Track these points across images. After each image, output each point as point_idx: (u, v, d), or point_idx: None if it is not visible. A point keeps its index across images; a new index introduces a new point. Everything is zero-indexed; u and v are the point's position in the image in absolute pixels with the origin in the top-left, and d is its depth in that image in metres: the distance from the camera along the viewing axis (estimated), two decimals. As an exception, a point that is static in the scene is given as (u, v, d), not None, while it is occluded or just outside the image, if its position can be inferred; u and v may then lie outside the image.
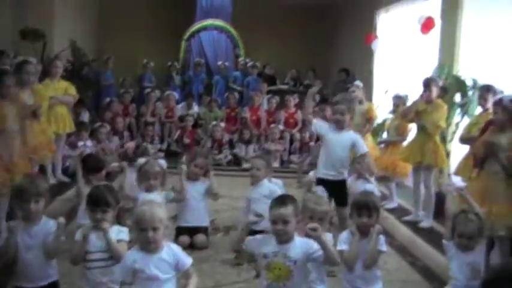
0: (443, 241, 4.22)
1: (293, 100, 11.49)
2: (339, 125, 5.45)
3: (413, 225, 6.59)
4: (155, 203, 3.73)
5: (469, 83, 7.07)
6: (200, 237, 5.51)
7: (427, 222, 6.57)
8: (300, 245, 3.67)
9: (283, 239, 3.67)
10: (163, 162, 5.53)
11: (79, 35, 11.53)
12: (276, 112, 11.38)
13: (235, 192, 7.59)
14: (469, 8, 7.48)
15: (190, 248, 5.35)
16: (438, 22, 7.91)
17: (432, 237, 6.00)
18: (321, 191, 4.49)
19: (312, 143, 10.13)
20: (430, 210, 6.67)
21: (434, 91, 6.51)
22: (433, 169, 6.69)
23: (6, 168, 5.35)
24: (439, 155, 6.55)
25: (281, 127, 10.81)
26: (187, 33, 13.58)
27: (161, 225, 3.51)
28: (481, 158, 5.07)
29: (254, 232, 5.00)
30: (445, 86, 6.96)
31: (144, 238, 3.48)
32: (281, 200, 3.70)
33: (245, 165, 9.59)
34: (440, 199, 6.59)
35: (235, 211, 6.70)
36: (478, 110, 6.37)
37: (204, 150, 6.51)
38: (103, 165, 5.48)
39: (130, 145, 9.24)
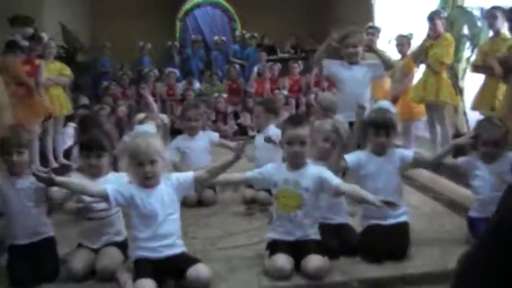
0: (462, 159, 3.96)
1: (298, 67, 11.27)
2: (353, 59, 5.16)
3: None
4: (150, 134, 3.46)
5: (476, 13, 6.74)
6: (208, 193, 5.19)
7: (446, 161, 6.28)
8: (312, 171, 3.41)
9: (298, 161, 3.42)
10: (164, 117, 5.20)
11: (70, 21, 11.23)
12: (279, 79, 11.12)
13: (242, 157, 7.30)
14: None
15: (198, 205, 5.09)
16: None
17: (453, 173, 5.69)
18: (340, 117, 4.22)
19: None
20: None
21: (439, 24, 6.21)
22: (442, 106, 6.36)
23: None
24: (442, 91, 6.22)
25: (285, 93, 10.51)
26: (181, 12, 13.31)
27: (159, 158, 3.24)
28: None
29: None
30: (450, 18, 6.62)
31: (142, 173, 3.20)
32: (297, 120, 3.46)
33: (251, 133, 9.32)
34: (457, 137, 6.30)
35: (244, 172, 6.38)
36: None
37: (192, 101, 6.17)
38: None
39: (122, 109, 8.89)
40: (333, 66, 5.30)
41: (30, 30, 7.05)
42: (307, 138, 3.38)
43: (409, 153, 3.84)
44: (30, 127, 6.12)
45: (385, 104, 3.91)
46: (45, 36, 7.40)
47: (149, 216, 3.24)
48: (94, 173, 3.65)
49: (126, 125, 6.34)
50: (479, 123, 4.01)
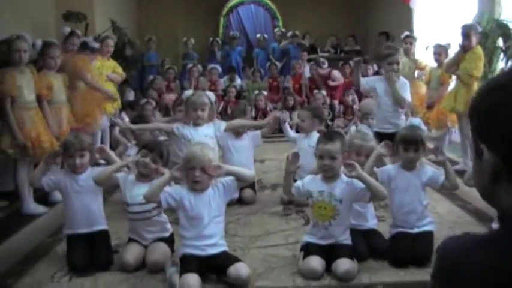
0: None
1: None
2: (396, 75, 5.46)
3: (462, 173, 6.47)
4: (207, 145, 3.82)
5: (511, 26, 6.92)
6: (248, 192, 5.53)
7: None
8: (346, 184, 3.71)
9: (329, 175, 3.71)
10: (211, 95, 5.49)
11: (119, 16, 11.61)
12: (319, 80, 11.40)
13: (281, 155, 7.59)
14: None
15: (238, 203, 5.42)
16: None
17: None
18: (365, 128, 4.51)
19: (355, 106, 10.08)
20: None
21: (474, 39, 6.37)
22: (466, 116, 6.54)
23: (56, 137, 5.51)
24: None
25: (324, 93, 10.78)
26: (225, 9, 13.65)
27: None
28: None
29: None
30: (485, 31, 6.80)
31: (192, 177, 3.55)
32: (329, 136, 3.76)
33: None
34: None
35: (282, 171, 6.64)
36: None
37: (240, 106, 6.47)
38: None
39: (170, 97, 9.27)
40: (370, 81, 5.72)
41: (67, 29, 7.40)
42: (337, 153, 3.67)
43: (439, 178, 4.03)
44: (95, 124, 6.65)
45: (416, 121, 4.20)
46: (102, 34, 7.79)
47: (196, 218, 3.60)
48: (144, 172, 4.02)
49: (172, 113, 6.70)
50: None
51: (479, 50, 6.40)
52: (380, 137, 5.00)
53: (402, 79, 5.51)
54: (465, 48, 6.37)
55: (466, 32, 6.37)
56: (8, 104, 5.16)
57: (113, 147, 6.57)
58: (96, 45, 7.04)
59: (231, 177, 3.70)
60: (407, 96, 5.52)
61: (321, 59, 11.77)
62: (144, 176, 4.02)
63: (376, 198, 3.80)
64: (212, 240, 3.64)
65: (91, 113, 6.75)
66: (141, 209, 3.96)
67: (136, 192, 3.95)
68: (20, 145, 5.17)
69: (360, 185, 3.65)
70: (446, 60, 6.91)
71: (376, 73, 8.84)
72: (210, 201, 3.63)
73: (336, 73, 11.43)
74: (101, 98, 7.10)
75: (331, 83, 11.25)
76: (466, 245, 1.46)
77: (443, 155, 4.01)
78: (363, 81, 5.75)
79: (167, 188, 3.67)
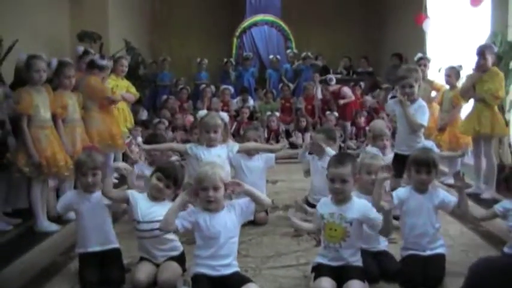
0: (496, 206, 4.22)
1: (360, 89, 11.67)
2: (409, 98, 5.34)
3: (475, 197, 6.46)
4: (217, 164, 3.83)
5: (524, 48, 6.93)
6: (260, 213, 5.53)
7: (488, 194, 6.44)
8: (357, 206, 3.73)
9: (340, 198, 3.73)
10: (225, 115, 5.49)
11: (133, 36, 11.76)
12: (331, 100, 11.42)
13: (293, 177, 7.66)
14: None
15: (250, 223, 5.41)
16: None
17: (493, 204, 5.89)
18: (375, 150, 4.54)
19: (367, 128, 10.09)
20: (492, 181, 6.54)
21: (489, 59, 6.36)
22: (492, 139, 6.55)
23: (70, 156, 5.56)
24: (497, 124, 6.40)
25: (336, 114, 10.81)
26: (239, 30, 13.76)
27: (222, 185, 3.61)
28: None
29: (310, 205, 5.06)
30: (499, 53, 6.80)
31: (205, 197, 3.57)
32: (340, 159, 3.76)
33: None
34: (501, 170, 6.48)
35: (294, 192, 6.76)
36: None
37: (253, 124, 6.48)
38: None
39: (189, 118, 9.35)
40: (392, 105, 5.64)
41: (81, 48, 7.53)
42: (348, 176, 3.67)
43: (450, 202, 4.04)
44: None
45: (429, 143, 4.21)
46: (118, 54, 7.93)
47: (212, 238, 3.61)
48: (156, 196, 4.06)
49: (189, 135, 6.74)
50: None
51: (498, 70, 6.41)
52: (397, 158, 5.09)
53: (420, 102, 5.39)
54: (482, 68, 6.36)
55: (481, 51, 6.37)
56: (25, 122, 5.25)
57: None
58: (104, 62, 7.11)
59: (248, 199, 3.71)
60: (423, 119, 5.33)
61: (328, 77, 11.78)
62: (156, 197, 4.07)
63: (382, 234, 3.85)
64: (227, 260, 3.65)
65: (111, 134, 6.88)
66: (150, 227, 3.97)
67: (148, 210, 3.99)
68: (35, 163, 5.23)
69: (374, 215, 3.69)
70: (460, 85, 6.90)
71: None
72: (226, 221, 3.64)
73: (345, 89, 11.46)
74: (118, 118, 7.22)
75: (341, 102, 11.28)
76: (493, 267, 1.50)
77: (463, 181, 3.98)
78: (388, 103, 5.80)
79: (181, 212, 3.69)
